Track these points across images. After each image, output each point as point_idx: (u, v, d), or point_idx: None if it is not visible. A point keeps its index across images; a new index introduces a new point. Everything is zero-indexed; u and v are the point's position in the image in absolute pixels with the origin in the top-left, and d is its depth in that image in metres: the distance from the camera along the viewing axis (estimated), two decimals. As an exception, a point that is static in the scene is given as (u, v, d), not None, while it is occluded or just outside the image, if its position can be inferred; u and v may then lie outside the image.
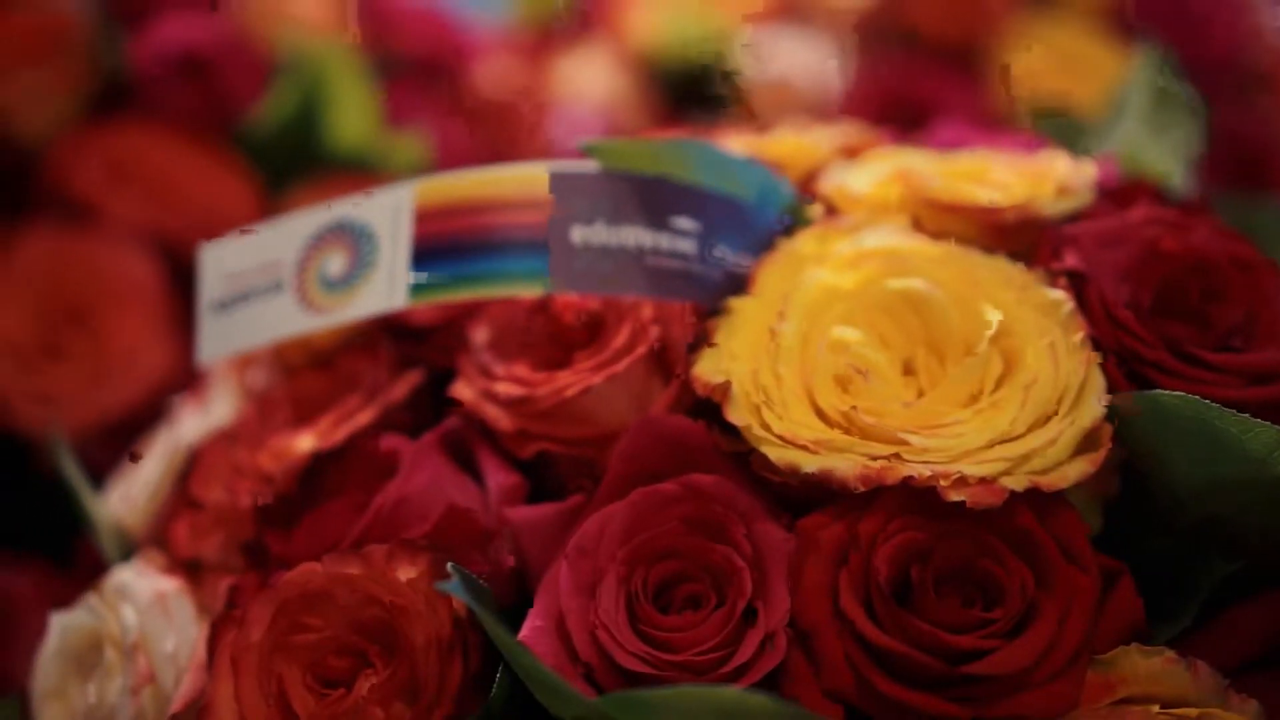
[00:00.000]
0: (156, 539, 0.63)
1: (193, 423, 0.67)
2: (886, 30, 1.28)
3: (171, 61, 0.94)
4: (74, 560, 0.83)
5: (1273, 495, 0.51)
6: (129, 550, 0.64)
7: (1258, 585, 0.53)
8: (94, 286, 0.89)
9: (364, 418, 0.60)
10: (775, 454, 0.52)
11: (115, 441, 0.77)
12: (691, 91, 1.30)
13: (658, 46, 1.31)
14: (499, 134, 1.13)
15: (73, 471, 0.67)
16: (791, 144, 0.69)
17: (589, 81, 1.32)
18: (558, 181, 0.59)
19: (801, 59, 1.27)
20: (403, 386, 0.61)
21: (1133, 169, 0.71)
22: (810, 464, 0.52)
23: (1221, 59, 1.28)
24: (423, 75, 1.14)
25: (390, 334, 0.65)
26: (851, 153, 0.68)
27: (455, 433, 0.60)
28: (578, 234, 0.58)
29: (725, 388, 0.54)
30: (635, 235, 0.58)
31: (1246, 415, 0.50)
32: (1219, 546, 0.53)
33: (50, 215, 0.91)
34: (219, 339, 0.63)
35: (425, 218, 0.59)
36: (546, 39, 1.39)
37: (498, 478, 0.58)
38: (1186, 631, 0.52)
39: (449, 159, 0.89)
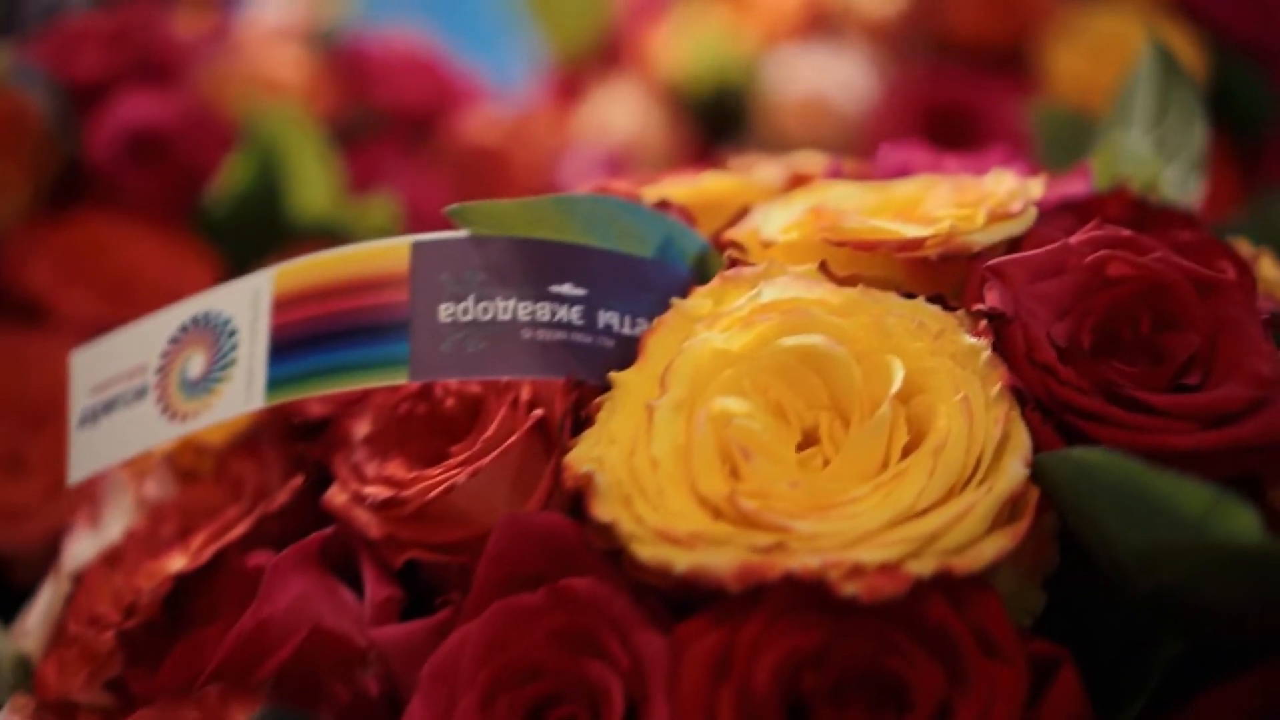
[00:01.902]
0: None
1: (85, 543, 0.61)
2: (923, 38, 1.21)
3: (129, 142, 0.89)
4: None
5: (1217, 561, 0.43)
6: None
7: (1216, 668, 0.45)
8: (51, 390, 0.85)
9: (236, 532, 0.54)
10: (646, 552, 0.46)
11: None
12: (722, 119, 1.23)
13: (685, 75, 1.24)
14: (490, 186, 1.07)
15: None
16: (725, 184, 0.62)
17: (620, 117, 1.26)
18: (421, 253, 0.53)
19: (834, 75, 1.19)
20: (283, 494, 0.56)
21: (1114, 176, 0.63)
22: (683, 562, 0.45)
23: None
24: (408, 129, 1.08)
25: (284, 431, 0.59)
26: (796, 186, 0.61)
27: (339, 542, 0.54)
28: (444, 311, 0.52)
29: (589, 478, 0.47)
30: (511, 307, 0.52)
31: (1173, 473, 0.42)
32: (1173, 622, 0.46)
33: (6, 316, 0.87)
34: (87, 456, 0.58)
35: (284, 305, 0.54)
36: (575, 77, 1.33)
37: (373, 591, 0.52)
38: (1141, 725, 0.45)
39: (432, 218, 0.83)
